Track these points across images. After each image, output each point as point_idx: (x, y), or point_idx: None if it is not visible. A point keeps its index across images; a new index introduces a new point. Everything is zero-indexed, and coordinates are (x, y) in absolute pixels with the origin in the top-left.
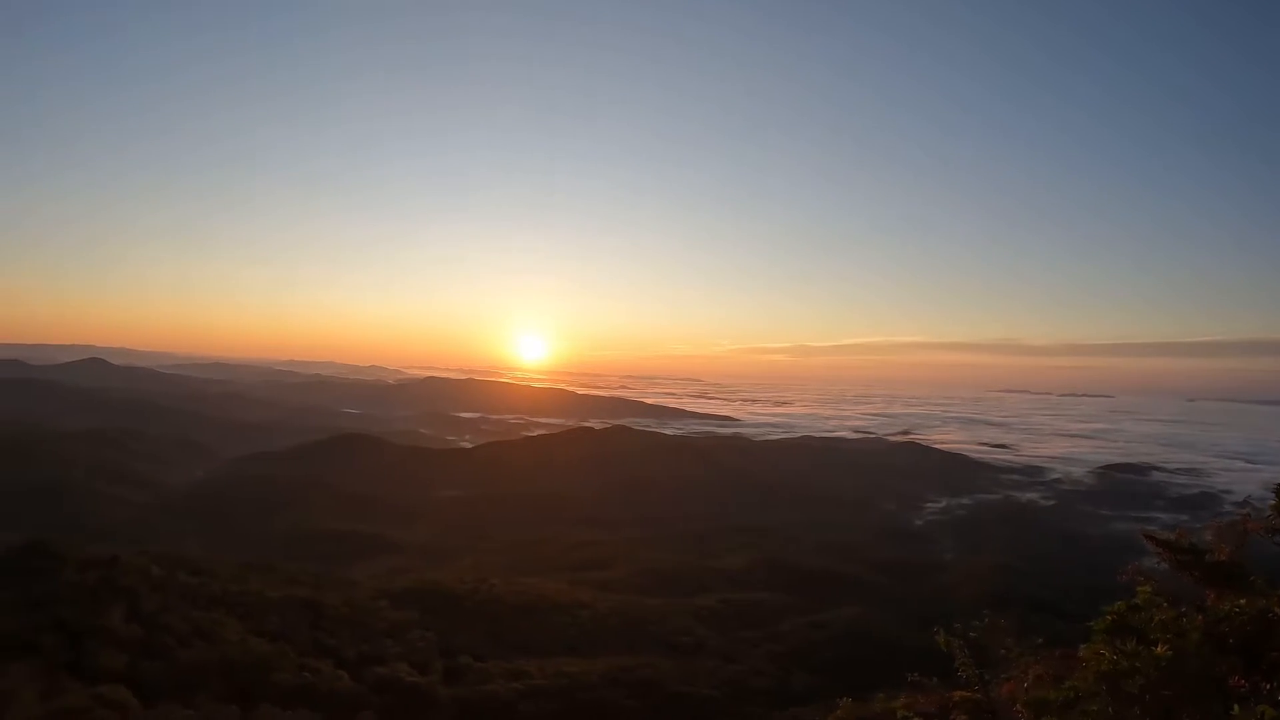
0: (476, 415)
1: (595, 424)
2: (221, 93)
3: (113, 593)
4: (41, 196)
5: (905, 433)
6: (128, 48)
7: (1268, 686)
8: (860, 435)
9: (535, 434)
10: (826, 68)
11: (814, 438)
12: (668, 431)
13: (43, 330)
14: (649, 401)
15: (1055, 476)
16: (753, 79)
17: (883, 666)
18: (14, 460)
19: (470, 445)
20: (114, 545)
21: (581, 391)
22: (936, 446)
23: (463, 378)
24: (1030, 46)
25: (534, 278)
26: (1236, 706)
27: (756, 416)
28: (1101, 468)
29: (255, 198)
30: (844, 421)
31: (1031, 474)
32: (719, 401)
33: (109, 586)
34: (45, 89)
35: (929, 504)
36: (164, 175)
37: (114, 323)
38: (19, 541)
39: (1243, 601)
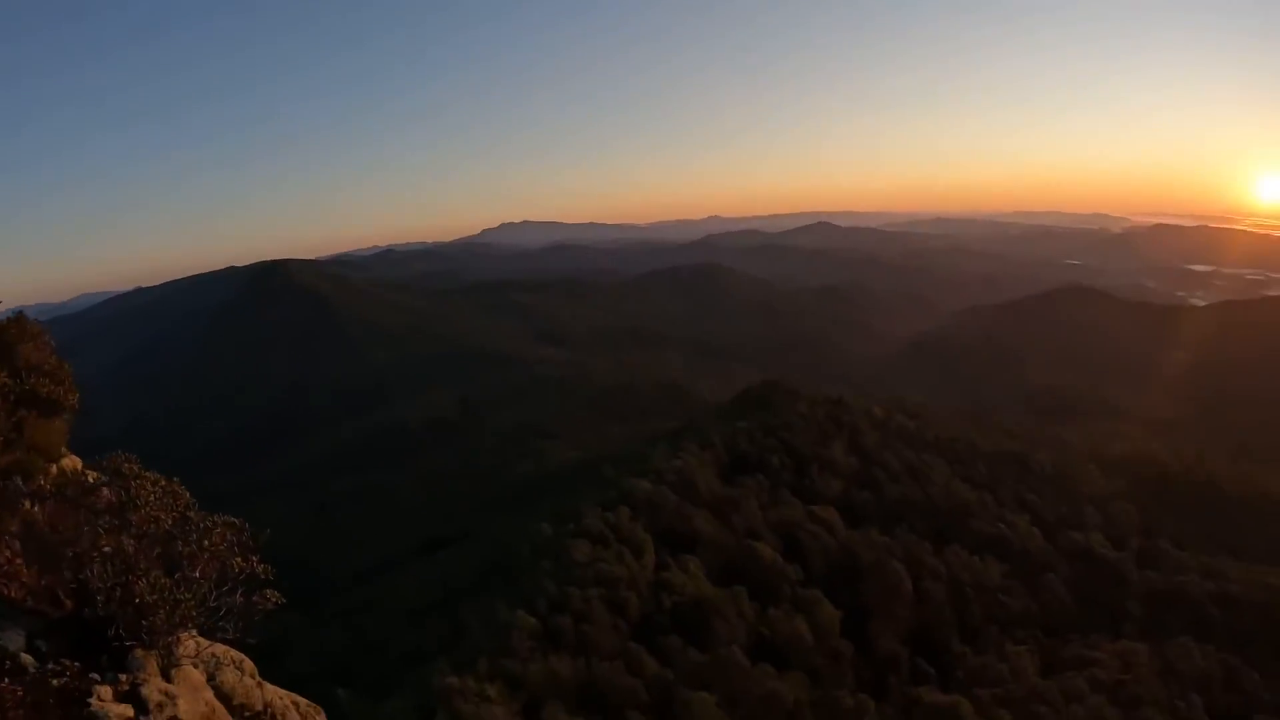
0: (1209, 269)
1: None
2: None
3: (836, 427)
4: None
5: None
6: None
7: None
8: None
9: (1277, 294)
10: None
11: None
12: None
13: (773, 201)
14: None
15: None
16: None
17: None
18: (759, 315)
19: (1201, 303)
20: (842, 387)
21: None
22: None
23: (1194, 225)
24: None
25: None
26: None
27: None
28: None
29: (962, 52)
30: None
31: None
32: None
33: (834, 422)
34: None
35: None
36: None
37: (838, 188)
38: (760, 380)
39: None
